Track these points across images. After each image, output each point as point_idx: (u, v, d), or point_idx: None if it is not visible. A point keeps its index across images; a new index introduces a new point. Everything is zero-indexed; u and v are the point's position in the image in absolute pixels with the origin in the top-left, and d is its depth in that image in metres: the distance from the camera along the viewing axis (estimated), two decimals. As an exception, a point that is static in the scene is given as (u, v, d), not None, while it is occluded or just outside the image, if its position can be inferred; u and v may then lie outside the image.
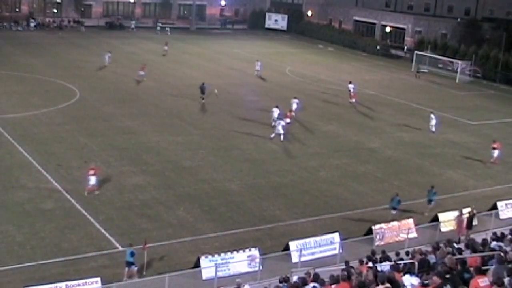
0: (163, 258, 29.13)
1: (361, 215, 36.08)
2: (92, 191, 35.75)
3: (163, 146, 44.75)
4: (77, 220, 32.21)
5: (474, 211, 34.46)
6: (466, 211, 34.32)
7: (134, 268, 27.32)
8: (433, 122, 55.06)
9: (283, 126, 48.63)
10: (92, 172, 36.04)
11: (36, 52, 77.55)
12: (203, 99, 57.74)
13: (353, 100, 63.41)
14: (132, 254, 27.30)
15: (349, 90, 64.29)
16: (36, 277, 26.18)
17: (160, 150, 43.87)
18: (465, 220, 33.72)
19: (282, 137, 48.29)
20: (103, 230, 31.25)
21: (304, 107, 58.99)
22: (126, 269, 27.24)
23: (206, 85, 58.47)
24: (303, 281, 21.38)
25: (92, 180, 35.95)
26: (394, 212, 35.69)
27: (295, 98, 56.97)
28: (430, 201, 37.46)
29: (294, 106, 55.63)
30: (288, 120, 51.54)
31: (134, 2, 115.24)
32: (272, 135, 48.62)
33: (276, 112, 51.78)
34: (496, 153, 47.83)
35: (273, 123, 51.01)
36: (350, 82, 65.35)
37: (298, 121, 54.11)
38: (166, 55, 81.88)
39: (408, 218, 34.43)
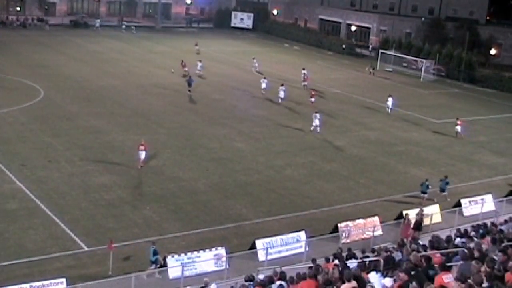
0: (129, 258, 28.95)
1: (327, 213, 36.25)
2: (141, 164, 40.27)
3: (129, 145, 44.44)
4: (41, 220, 31.87)
5: (423, 213, 34.73)
6: (414, 212, 34.70)
7: (155, 267, 27.49)
8: (389, 103, 61.56)
9: (319, 119, 52.27)
10: (142, 147, 40.30)
11: (-1, 50, 76.59)
12: (190, 91, 61.22)
13: (306, 83, 69.00)
14: (154, 252, 27.47)
15: (303, 74, 70.72)
16: (0, 279, 25.90)
17: (125, 149, 43.58)
18: (412, 223, 33.85)
19: (318, 129, 52.02)
20: (68, 230, 30.95)
21: (270, 106, 59.45)
22: (151, 266, 27.50)
23: (193, 79, 62.88)
24: (270, 280, 21.42)
25: (142, 155, 40.31)
26: (425, 195, 38.78)
27: (282, 85, 62.72)
28: (442, 190, 39.70)
29: (282, 94, 62.00)
30: (313, 99, 61.07)
31: (99, 1, 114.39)
32: (312, 128, 51.96)
33: (264, 83, 64.15)
34: (459, 128, 55.06)
35: (262, 92, 63.55)
36: (304, 69, 71.98)
37: (264, 119, 54.32)
38: (200, 54, 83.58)
39: (373, 215, 34.68)
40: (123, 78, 66.16)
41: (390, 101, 61.83)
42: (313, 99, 60.98)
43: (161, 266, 27.71)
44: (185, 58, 79.05)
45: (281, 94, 61.52)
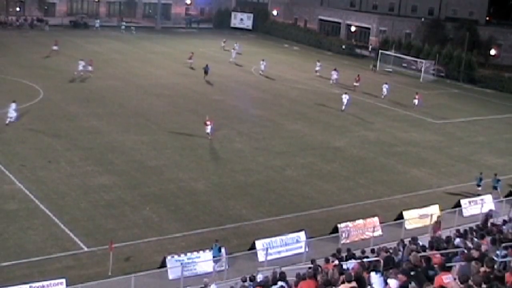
0: (129, 258, 28.95)
1: (327, 213, 36.26)
2: (208, 137, 46.63)
3: (129, 146, 44.48)
4: (41, 220, 31.86)
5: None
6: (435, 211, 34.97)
7: (219, 263, 28.49)
8: (385, 90, 68.36)
9: (348, 99, 59.98)
10: (208, 122, 46.67)
11: (-1, 51, 76.49)
12: (205, 77, 69.06)
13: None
14: (219, 249, 28.45)
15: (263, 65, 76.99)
16: (0, 279, 25.89)
17: (125, 150, 43.60)
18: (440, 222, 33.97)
19: (344, 107, 59.93)
20: (68, 231, 30.95)
21: (270, 106, 59.51)
22: (216, 264, 28.40)
23: (209, 67, 69.83)
24: (270, 280, 21.42)
25: (208, 129, 46.61)
26: (479, 188, 41.10)
27: (263, 60, 77.00)
28: (495, 187, 41.11)
29: (262, 67, 75.78)
30: (357, 84, 70.45)
31: (99, 1, 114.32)
32: (343, 108, 59.91)
33: (262, 65, 75.80)
34: (416, 101, 64.49)
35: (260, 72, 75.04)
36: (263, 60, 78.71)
37: (264, 120, 54.36)
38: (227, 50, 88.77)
39: (373, 216, 34.69)
40: (123, 79, 66.10)
41: (385, 87, 68.72)
42: (357, 84, 70.38)
43: (160, 267, 27.76)
44: (186, 59, 79.00)
45: (262, 67, 75.74)
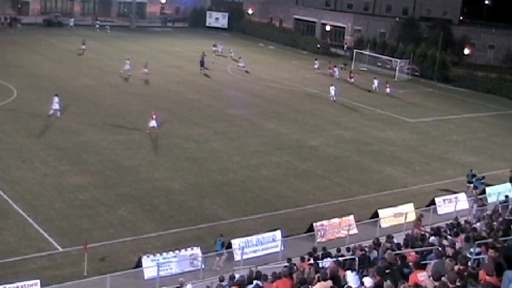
0: (104, 258, 28.82)
1: (303, 212, 36.37)
2: (154, 131, 46.86)
3: (103, 145, 44.24)
4: (15, 221, 31.60)
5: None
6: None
7: (222, 258, 29.10)
8: (376, 84, 73.01)
9: (335, 90, 64.95)
10: (154, 116, 46.79)
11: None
12: (201, 70, 73.55)
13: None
14: (222, 244, 29.12)
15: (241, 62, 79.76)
16: (-27, 280, 25.61)
17: (100, 149, 43.36)
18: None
19: (334, 98, 64.73)
20: (42, 231, 30.73)
21: (246, 106, 59.53)
22: (217, 258, 28.98)
23: (206, 59, 75.14)
24: (246, 279, 21.44)
25: (152, 123, 46.62)
26: (470, 185, 41.36)
27: (239, 57, 79.98)
28: (475, 187, 41.53)
29: (242, 64, 77.88)
30: (352, 80, 75.75)
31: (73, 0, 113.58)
32: (331, 98, 64.71)
33: (243, 63, 77.91)
34: (388, 90, 70.91)
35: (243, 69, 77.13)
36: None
37: (240, 119, 54.34)
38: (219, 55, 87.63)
39: (348, 214, 34.83)
40: (98, 78, 65.74)
41: (376, 82, 73.38)
42: (352, 80, 75.73)
43: (136, 267, 27.66)
44: (161, 58, 78.78)
45: (241, 64, 78.19)
